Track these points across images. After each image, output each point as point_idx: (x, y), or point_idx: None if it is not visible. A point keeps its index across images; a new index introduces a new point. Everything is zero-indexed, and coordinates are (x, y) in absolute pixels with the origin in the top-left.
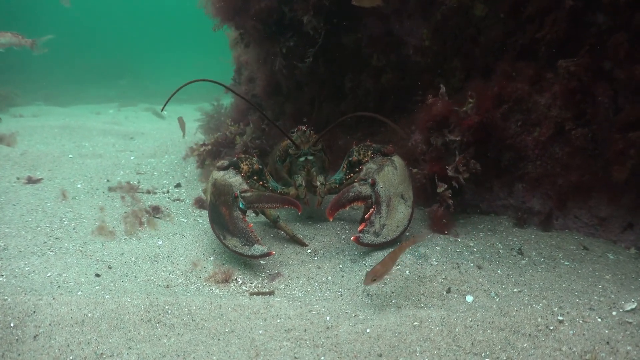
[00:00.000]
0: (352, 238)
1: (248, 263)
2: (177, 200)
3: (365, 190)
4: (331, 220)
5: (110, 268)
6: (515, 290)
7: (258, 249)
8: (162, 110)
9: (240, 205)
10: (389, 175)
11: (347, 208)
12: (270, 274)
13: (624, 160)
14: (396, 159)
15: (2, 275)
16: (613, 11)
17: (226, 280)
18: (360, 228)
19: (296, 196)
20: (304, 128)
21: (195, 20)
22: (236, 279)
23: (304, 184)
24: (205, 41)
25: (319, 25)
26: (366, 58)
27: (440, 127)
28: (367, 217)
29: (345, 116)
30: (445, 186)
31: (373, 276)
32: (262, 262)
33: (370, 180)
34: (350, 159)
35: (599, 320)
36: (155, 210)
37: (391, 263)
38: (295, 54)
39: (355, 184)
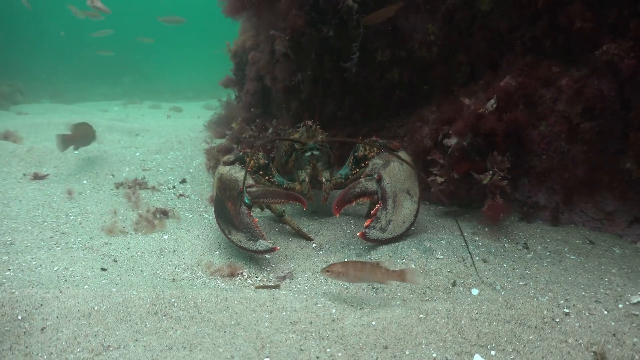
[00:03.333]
0: (358, 234)
1: (253, 257)
2: (183, 195)
3: (372, 185)
4: (337, 216)
5: (116, 262)
6: (520, 283)
7: (263, 244)
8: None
9: (246, 200)
10: (395, 171)
11: (354, 204)
12: (278, 276)
13: None
14: (402, 154)
15: (10, 269)
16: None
17: (232, 274)
18: (366, 224)
19: (301, 191)
20: (310, 123)
21: (197, 16)
22: (242, 273)
23: (307, 179)
24: (207, 38)
25: (356, 16)
26: (371, 53)
27: (472, 129)
28: (374, 212)
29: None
30: (490, 173)
31: (328, 269)
32: (267, 256)
33: (376, 176)
34: (356, 154)
35: (605, 312)
36: (163, 212)
37: (352, 272)
38: (339, 43)
39: (362, 179)
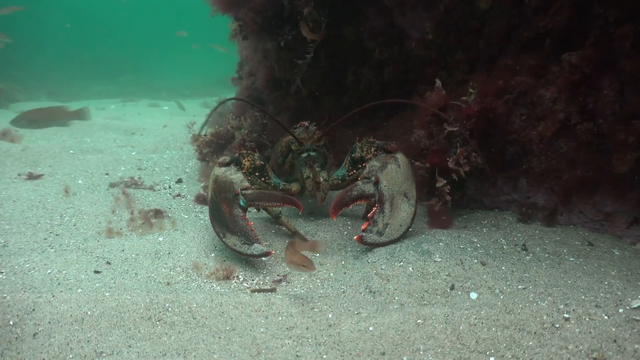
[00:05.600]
0: (355, 237)
1: (249, 260)
2: (178, 196)
3: (369, 188)
4: (334, 219)
5: (110, 264)
6: (519, 287)
7: (257, 248)
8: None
9: (241, 203)
10: (393, 174)
11: (351, 207)
12: (274, 280)
13: (625, 151)
14: (399, 156)
15: (2, 273)
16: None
17: (227, 277)
18: (363, 227)
19: (298, 192)
20: (306, 123)
21: (197, 14)
22: (237, 276)
23: (312, 175)
24: (208, 36)
25: (320, 19)
26: (368, 51)
27: (440, 120)
28: (370, 215)
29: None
30: (445, 181)
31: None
32: (263, 259)
33: (373, 179)
34: (353, 155)
35: (606, 317)
36: (158, 213)
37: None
38: (294, 48)
39: (359, 182)
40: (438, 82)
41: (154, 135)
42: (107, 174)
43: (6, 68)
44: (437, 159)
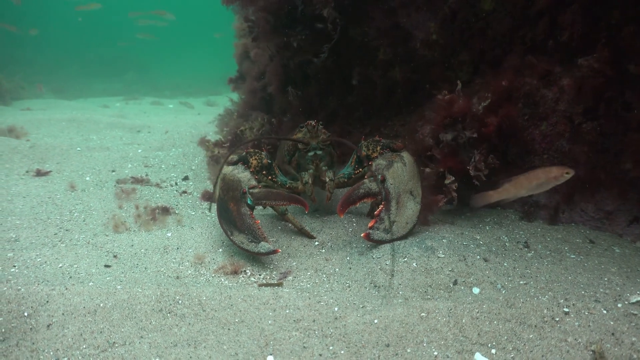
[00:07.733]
0: (362, 235)
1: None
2: (185, 193)
3: (375, 186)
4: (342, 217)
5: (120, 259)
6: (521, 282)
7: (264, 246)
8: None
9: (248, 202)
10: (399, 172)
11: (358, 205)
12: (281, 272)
13: None
14: (405, 155)
15: (15, 266)
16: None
17: (235, 272)
18: (370, 224)
19: (304, 191)
20: (313, 123)
21: (200, 14)
22: (245, 271)
23: (310, 181)
24: (210, 35)
25: (336, 21)
26: (373, 51)
27: (456, 123)
28: (377, 213)
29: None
30: (453, 178)
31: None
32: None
33: (379, 177)
34: (359, 154)
35: (605, 312)
36: (165, 209)
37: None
38: (307, 49)
39: (365, 180)
40: (459, 85)
41: (159, 133)
42: (113, 171)
43: (10, 64)
44: (451, 162)
